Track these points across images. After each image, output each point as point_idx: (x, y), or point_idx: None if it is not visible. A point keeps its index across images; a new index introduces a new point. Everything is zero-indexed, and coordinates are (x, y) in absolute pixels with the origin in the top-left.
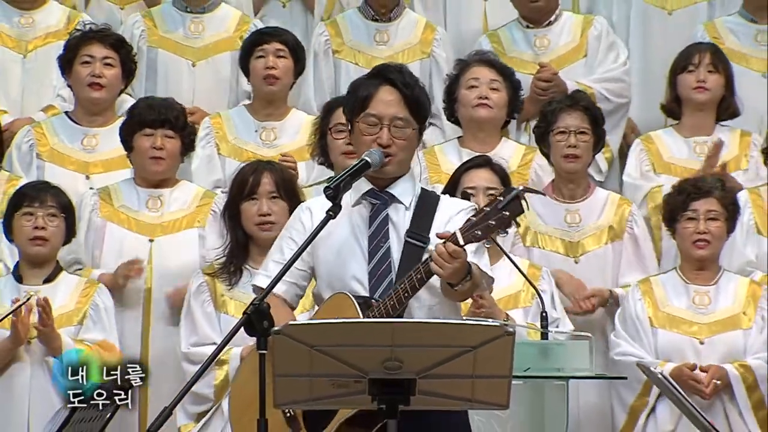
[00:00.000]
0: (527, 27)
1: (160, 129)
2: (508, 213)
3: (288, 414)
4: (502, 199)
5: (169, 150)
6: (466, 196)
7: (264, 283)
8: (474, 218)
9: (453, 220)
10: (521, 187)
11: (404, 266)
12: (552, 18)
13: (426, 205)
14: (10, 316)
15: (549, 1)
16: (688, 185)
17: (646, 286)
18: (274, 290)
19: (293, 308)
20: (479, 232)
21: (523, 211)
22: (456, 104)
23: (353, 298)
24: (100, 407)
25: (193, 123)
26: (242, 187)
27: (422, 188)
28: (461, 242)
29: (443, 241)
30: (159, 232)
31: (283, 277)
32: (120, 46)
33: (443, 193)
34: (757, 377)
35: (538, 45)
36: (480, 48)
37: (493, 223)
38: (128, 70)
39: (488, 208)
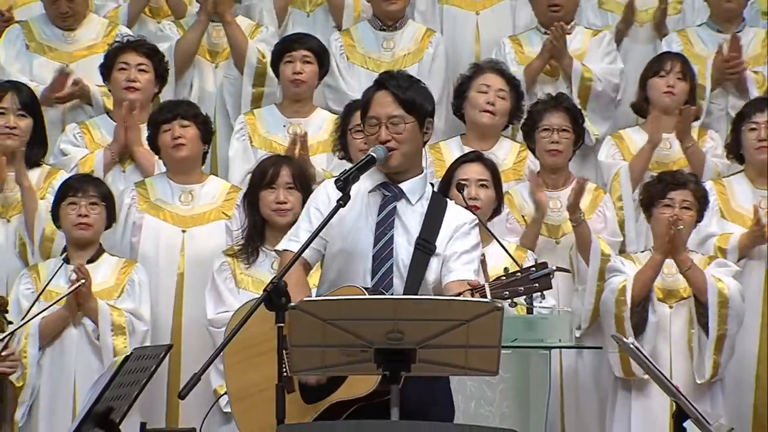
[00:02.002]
0: (544, 33)
1: (175, 121)
2: (537, 285)
3: (285, 373)
4: (535, 270)
5: (187, 137)
6: (460, 188)
7: (292, 246)
8: (505, 278)
9: (458, 232)
10: (554, 267)
11: (413, 269)
12: (568, 28)
13: (436, 211)
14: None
15: (566, 15)
16: (667, 176)
17: (628, 258)
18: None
19: (311, 267)
20: (506, 293)
21: (551, 288)
22: (465, 102)
23: (363, 290)
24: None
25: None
26: (263, 177)
27: (434, 191)
28: (488, 297)
29: (472, 289)
30: (190, 224)
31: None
32: (153, 54)
33: (441, 184)
34: (730, 300)
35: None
36: (502, 46)
37: (522, 289)
38: (161, 76)
39: (520, 275)
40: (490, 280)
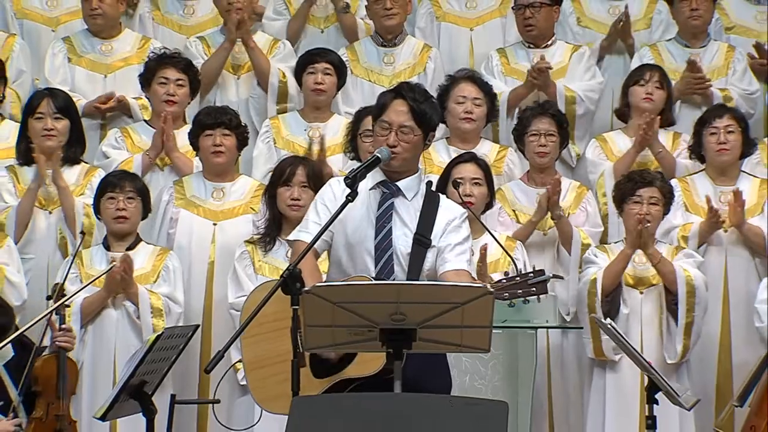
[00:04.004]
0: (528, 47)
1: (218, 129)
2: (534, 289)
3: (298, 349)
4: (533, 275)
5: (227, 145)
6: (455, 185)
7: (303, 237)
8: (506, 281)
9: (450, 226)
10: (551, 274)
11: (413, 261)
12: (549, 42)
13: (430, 206)
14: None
15: (541, 30)
16: (635, 175)
17: (602, 249)
18: (307, 241)
19: (319, 255)
20: (506, 294)
21: (546, 292)
22: (446, 111)
23: (371, 279)
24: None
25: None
26: (281, 175)
27: (427, 188)
28: (491, 291)
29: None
30: (221, 218)
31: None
32: (188, 69)
33: (438, 182)
34: (696, 289)
35: (535, 61)
36: (491, 59)
37: (520, 292)
38: (194, 89)
39: (520, 279)
40: (487, 270)
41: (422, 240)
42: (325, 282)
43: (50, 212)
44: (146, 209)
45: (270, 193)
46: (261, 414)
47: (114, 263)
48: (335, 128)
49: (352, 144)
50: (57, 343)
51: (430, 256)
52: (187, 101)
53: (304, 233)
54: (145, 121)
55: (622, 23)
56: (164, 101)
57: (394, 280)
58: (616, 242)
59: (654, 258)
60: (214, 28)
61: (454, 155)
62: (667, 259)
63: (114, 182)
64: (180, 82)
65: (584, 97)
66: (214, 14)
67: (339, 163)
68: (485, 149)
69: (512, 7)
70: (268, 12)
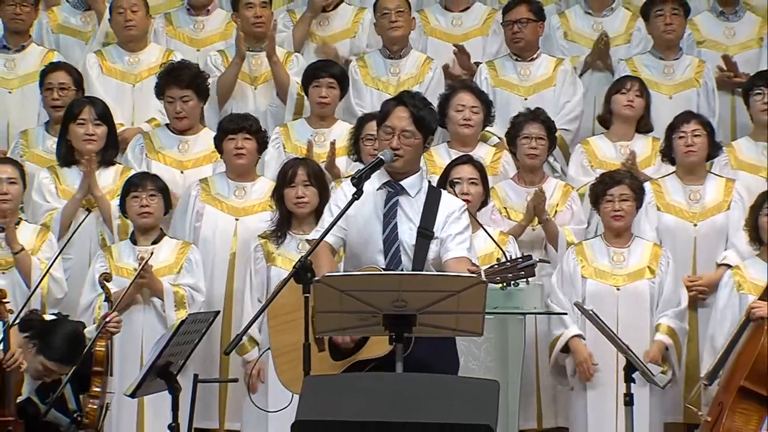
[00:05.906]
0: (516, 60)
1: (240, 133)
2: (523, 273)
3: (317, 336)
4: (522, 261)
5: (248, 148)
6: (452, 184)
7: (319, 235)
8: (498, 266)
9: (451, 218)
10: (538, 258)
11: (417, 252)
12: (534, 56)
13: (432, 201)
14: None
15: (527, 43)
16: (606, 177)
17: (579, 248)
18: (326, 239)
19: (335, 252)
20: (498, 278)
21: (534, 275)
22: (446, 118)
23: (381, 269)
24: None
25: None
26: (284, 176)
27: (429, 184)
28: (484, 280)
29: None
30: (242, 214)
31: (331, 232)
32: (192, 82)
33: (438, 182)
34: (679, 339)
35: (522, 73)
36: (480, 71)
37: (510, 275)
38: (204, 94)
39: (510, 264)
40: (480, 263)
41: (425, 233)
42: (337, 272)
43: (90, 210)
44: (167, 205)
45: (277, 195)
46: (292, 398)
47: (141, 258)
48: (338, 133)
49: (355, 147)
50: (107, 328)
51: (434, 246)
52: (197, 110)
53: (320, 232)
54: (167, 125)
55: (604, 42)
56: (174, 118)
57: (401, 269)
58: (593, 237)
59: (655, 352)
60: (221, 42)
61: (454, 157)
62: (662, 339)
63: (136, 182)
64: (185, 98)
65: (569, 127)
66: (222, 29)
67: (343, 165)
68: (482, 151)
69: (501, 23)
70: (278, 25)
